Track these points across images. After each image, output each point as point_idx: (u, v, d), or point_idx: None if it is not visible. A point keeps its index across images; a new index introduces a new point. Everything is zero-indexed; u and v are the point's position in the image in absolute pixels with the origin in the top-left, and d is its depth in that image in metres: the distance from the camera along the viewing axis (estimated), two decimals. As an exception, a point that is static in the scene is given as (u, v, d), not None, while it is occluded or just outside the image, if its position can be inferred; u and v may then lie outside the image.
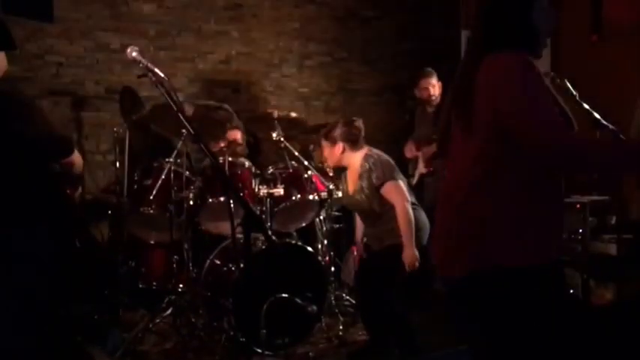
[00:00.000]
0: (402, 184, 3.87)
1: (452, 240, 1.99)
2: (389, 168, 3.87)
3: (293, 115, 4.97)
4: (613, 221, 5.16)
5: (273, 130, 4.85)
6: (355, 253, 4.34)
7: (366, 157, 3.92)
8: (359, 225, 4.28)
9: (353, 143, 3.96)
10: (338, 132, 3.96)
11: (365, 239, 4.20)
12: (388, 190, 3.81)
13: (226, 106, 5.63)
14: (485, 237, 1.89)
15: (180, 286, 4.51)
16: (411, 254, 3.70)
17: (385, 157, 3.96)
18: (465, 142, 1.97)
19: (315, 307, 4.04)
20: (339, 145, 3.96)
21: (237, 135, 5.47)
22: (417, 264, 3.72)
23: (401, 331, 3.95)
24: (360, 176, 3.89)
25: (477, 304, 1.94)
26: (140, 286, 4.73)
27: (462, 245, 1.94)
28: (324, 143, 4.04)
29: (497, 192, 1.89)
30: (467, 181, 1.95)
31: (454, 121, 2.02)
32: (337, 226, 5.39)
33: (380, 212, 3.90)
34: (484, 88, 1.88)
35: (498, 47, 1.90)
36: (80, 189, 3.29)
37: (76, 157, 3.04)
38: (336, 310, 4.67)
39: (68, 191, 3.22)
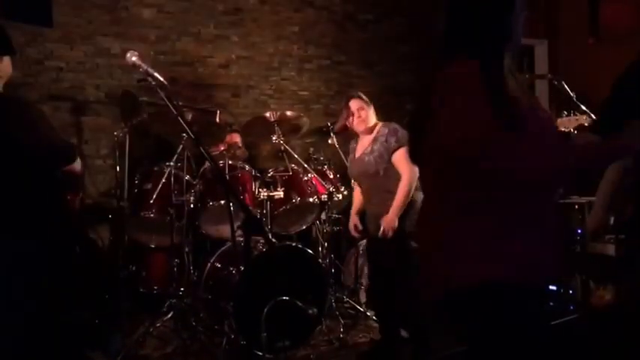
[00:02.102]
0: None
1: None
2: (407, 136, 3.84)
3: (289, 113, 4.94)
4: (611, 222, 5.15)
5: (273, 133, 4.85)
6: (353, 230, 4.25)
7: (386, 124, 3.96)
8: (357, 201, 4.24)
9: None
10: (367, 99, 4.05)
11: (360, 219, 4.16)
12: (401, 155, 3.75)
13: (226, 109, 5.68)
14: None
15: (181, 289, 4.52)
16: (392, 220, 3.73)
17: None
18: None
19: (315, 310, 4.05)
20: (372, 108, 4.03)
21: (236, 138, 5.48)
22: (391, 233, 3.73)
23: (414, 327, 3.97)
24: (375, 140, 3.89)
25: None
26: (141, 290, 4.73)
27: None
28: (365, 105, 4.02)
29: None
30: None
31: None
32: (337, 228, 5.40)
33: (383, 180, 3.83)
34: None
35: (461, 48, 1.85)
36: (81, 195, 3.30)
37: (78, 164, 3.06)
38: (337, 313, 4.67)
39: (69, 197, 3.24)
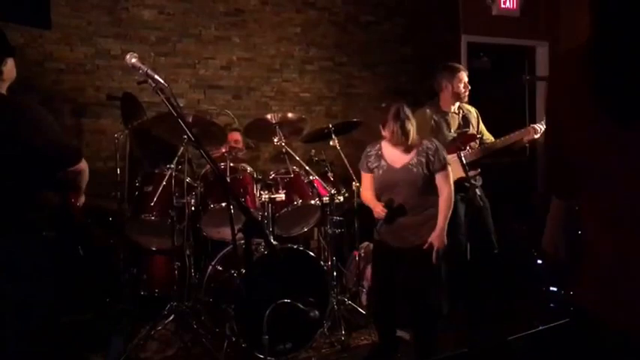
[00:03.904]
0: None
1: None
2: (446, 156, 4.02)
3: (290, 115, 4.94)
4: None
5: (275, 135, 4.83)
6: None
7: (430, 139, 4.02)
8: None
9: None
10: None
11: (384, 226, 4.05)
12: (444, 175, 3.92)
13: (227, 111, 5.66)
14: None
15: (182, 292, 4.50)
16: (442, 236, 3.86)
17: None
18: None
19: (317, 313, 4.02)
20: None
21: (237, 137, 5.46)
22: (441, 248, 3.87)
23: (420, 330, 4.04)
24: (420, 152, 3.91)
25: None
26: (142, 292, 4.71)
27: None
28: (411, 124, 3.91)
29: None
30: None
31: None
32: (339, 230, 5.37)
33: (420, 193, 3.91)
34: None
35: None
36: (83, 197, 3.30)
37: (83, 165, 3.06)
38: (339, 315, 4.65)
39: (73, 199, 3.23)
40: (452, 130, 4.77)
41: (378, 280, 4.18)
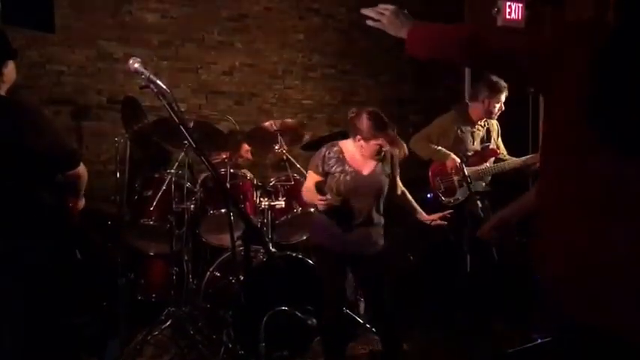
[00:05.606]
0: None
1: None
2: None
3: (289, 120, 4.92)
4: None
5: (275, 143, 4.82)
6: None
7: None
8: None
9: None
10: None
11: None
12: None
13: (228, 117, 5.64)
14: None
15: (180, 298, 4.48)
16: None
17: None
18: None
19: (314, 320, 4.02)
20: None
21: (247, 146, 5.45)
22: None
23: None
24: (384, 158, 3.78)
25: None
26: (139, 297, 4.69)
27: None
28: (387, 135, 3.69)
29: None
30: None
31: None
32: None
33: (380, 203, 3.79)
34: None
35: None
36: (83, 201, 3.29)
37: (82, 169, 3.05)
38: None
39: (71, 203, 3.23)
40: (475, 144, 4.79)
41: (330, 292, 3.84)
